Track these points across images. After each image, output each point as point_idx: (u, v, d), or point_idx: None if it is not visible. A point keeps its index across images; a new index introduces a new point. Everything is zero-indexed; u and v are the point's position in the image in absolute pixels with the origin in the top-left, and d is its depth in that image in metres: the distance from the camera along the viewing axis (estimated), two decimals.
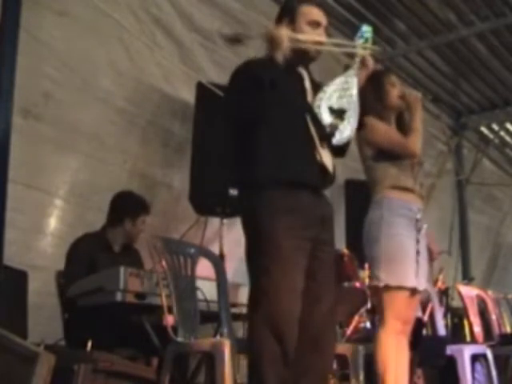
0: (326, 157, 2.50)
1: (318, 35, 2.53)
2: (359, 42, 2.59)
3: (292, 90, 2.50)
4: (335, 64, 2.49)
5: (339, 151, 2.59)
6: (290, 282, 2.32)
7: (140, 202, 3.76)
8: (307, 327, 2.37)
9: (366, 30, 2.61)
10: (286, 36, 2.42)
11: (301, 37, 2.47)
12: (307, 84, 2.58)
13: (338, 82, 2.50)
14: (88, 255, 3.48)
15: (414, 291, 2.90)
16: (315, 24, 2.54)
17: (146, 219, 3.75)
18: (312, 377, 2.40)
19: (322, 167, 2.48)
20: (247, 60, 2.55)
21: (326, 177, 2.51)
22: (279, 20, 2.58)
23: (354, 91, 2.51)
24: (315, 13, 2.56)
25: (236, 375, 2.89)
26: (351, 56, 2.60)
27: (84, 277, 3.26)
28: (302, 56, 2.53)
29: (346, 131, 2.47)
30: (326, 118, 2.45)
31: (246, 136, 2.44)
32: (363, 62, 2.58)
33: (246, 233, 2.45)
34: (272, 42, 2.42)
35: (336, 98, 2.47)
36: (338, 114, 2.46)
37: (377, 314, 3.04)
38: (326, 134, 2.47)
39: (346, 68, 2.57)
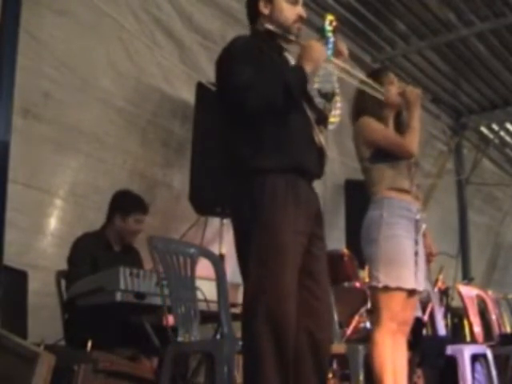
0: (323, 140, 2.48)
1: (299, 12, 2.50)
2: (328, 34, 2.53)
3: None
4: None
5: None
6: (290, 281, 2.28)
7: (133, 200, 3.72)
8: (305, 326, 2.34)
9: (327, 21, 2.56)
10: (323, 55, 2.40)
11: (335, 61, 2.46)
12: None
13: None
14: (89, 254, 3.48)
15: (411, 292, 2.90)
16: (294, 1, 2.51)
17: (142, 219, 3.70)
18: (309, 376, 2.37)
19: (321, 150, 2.47)
20: (236, 40, 2.47)
21: (322, 162, 2.49)
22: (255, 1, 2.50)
23: (335, 76, 2.48)
24: None
25: (236, 375, 2.89)
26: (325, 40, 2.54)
27: (89, 275, 3.26)
28: (285, 34, 2.50)
29: (336, 115, 2.47)
30: (319, 102, 2.44)
31: (245, 121, 2.37)
32: (337, 48, 2.52)
33: (241, 223, 2.36)
34: (309, 54, 2.37)
35: (321, 83, 2.44)
36: (327, 97, 2.44)
37: (373, 314, 3.03)
38: (323, 117, 2.46)
39: None
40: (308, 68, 2.35)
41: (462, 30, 6.10)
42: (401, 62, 6.72)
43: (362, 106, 3.07)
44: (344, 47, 2.56)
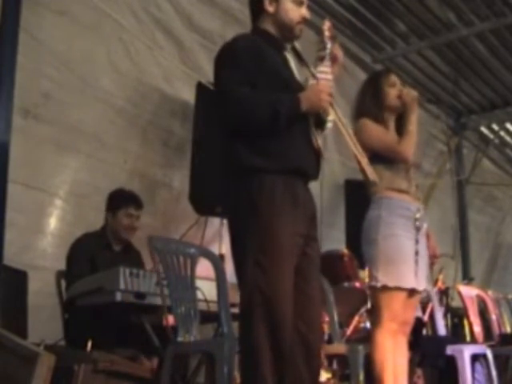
0: (321, 142, 2.48)
1: (303, 14, 2.49)
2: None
3: (287, 75, 2.47)
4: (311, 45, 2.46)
5: None
6: (286, 282, 2.29)
7: (122, 195, 3.71)
8: (297, 325, 2.33)
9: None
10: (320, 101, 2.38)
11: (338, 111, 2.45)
12: (293, 66, 2.54)
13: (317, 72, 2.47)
14: (89, 254, 3.48)
15: (412, 292, 2.89)
16: (299, 2, 2.49)
17: (134, 214, 3.67)
18: (301, 375, 2.36)
19: (318, 152, 2.46)
20: (235, 40, 2.46)
21: (319, 164, 2.49)
22: None
23: (331, 82, 2.47)
24: None
25: (236, 375, 2.89)
26: (322, 47, 2.52)
27: (88, 275, 3.26)
28: (288, 34, 2.50)
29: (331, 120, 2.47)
30: None
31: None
32: (332, 55, 2.50)
33: (238, 223, 2.35)
34: (308, 94, 2.38)
35: None
36: None
37: (373, 314, 3.03)
38: (321, 121, 2.45)
39: (321, 59, 2.50)
40: (303, 106, 2.34)
41: (462, 30, 6.10)
42: (401, 62, 6.72)
43: (363, 107, 3.06)
44: (340, 53, 2.53)
